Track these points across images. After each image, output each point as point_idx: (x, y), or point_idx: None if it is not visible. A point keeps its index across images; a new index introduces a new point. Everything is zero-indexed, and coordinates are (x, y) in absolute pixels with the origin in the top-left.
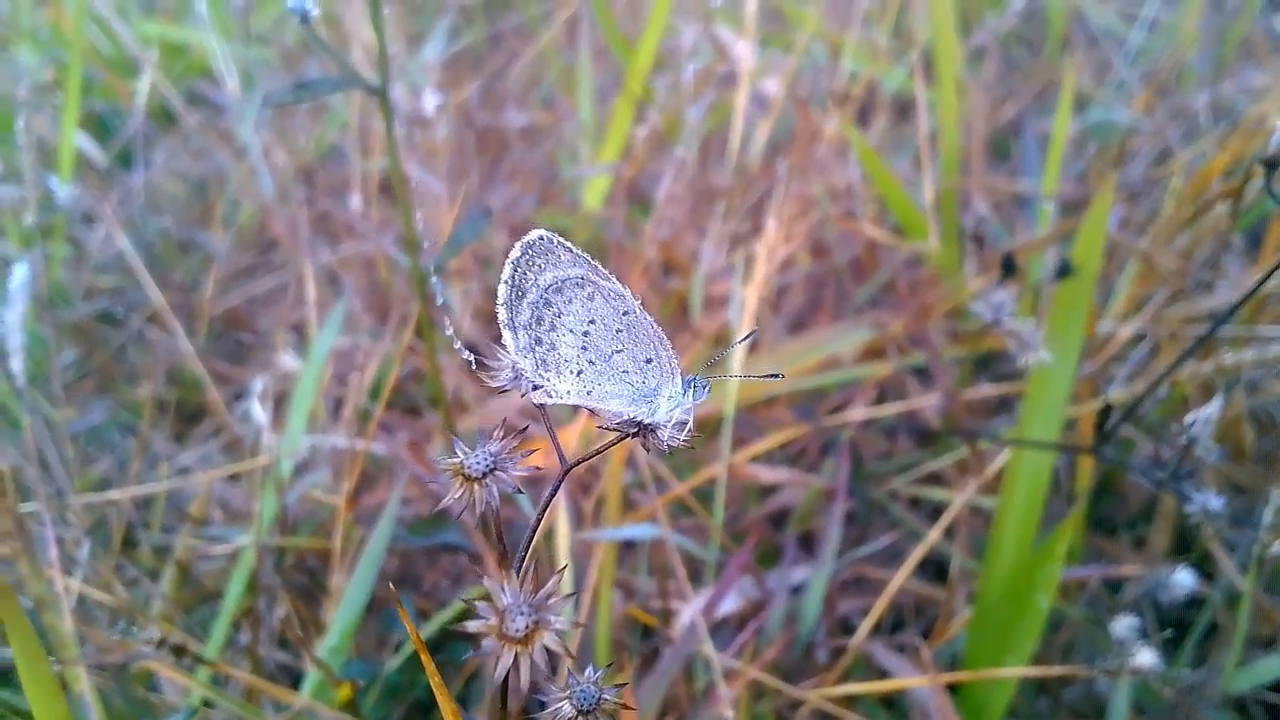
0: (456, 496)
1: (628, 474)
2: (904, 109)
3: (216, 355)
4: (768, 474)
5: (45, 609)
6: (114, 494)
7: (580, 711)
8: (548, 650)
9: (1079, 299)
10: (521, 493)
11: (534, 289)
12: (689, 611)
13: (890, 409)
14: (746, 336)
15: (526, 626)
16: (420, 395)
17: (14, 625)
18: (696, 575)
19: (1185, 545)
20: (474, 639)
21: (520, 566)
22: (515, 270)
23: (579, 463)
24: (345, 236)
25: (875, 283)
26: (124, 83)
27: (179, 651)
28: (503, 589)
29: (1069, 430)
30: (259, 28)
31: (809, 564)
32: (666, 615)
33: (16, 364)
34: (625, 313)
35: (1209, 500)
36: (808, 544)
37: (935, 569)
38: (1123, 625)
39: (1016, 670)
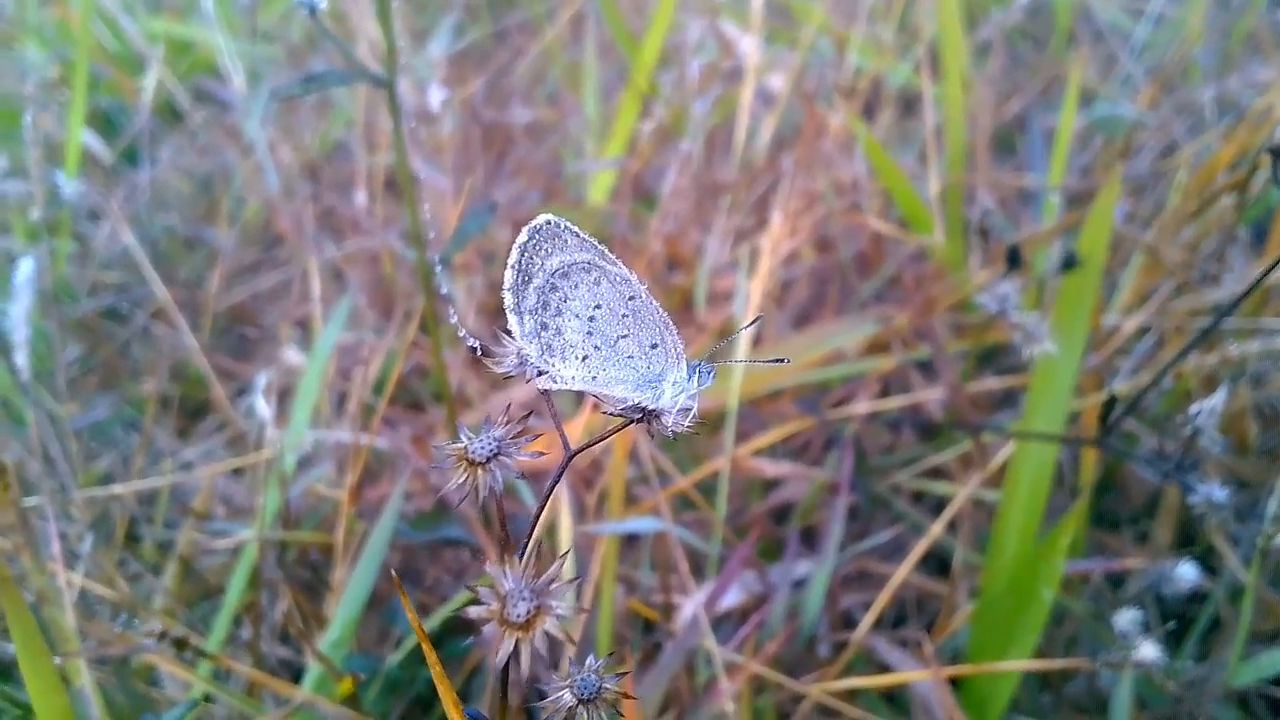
0: (460, 482)
1: (631, 468)
2: (909, 104)
3: (221, 351)
4: (771, 468)
5: (47, 603)
6: (117, 488)
7: (581, 700)
8: (550, 638)
9: (1084, 291)
10: (524, 478)
11: (540, 274)
12: (691, 605)
13: (894, 403)
14: (752, 321)
15: (528, 612)
16: (424, 390)
17: (16, 619)
18: (699, 569)
19: (1189, 539)
20: (475, 625)
21: (523, 554)
22: (522, 255)
23: (583, 449)
24: (350, 232)
25: (880, 277)
26: (130, 79)
27: (180, 645)
28: (505, 574)
29: (1073, 423)
30: (265, 24)
31: (811, 558)
32: (668, 609)
33: (21, 358)
34: (631, 298)
35: (1213, 491)
36: (810, 538)
37: (938, 563)
38: (1125, 619)
39: (1019, 664)
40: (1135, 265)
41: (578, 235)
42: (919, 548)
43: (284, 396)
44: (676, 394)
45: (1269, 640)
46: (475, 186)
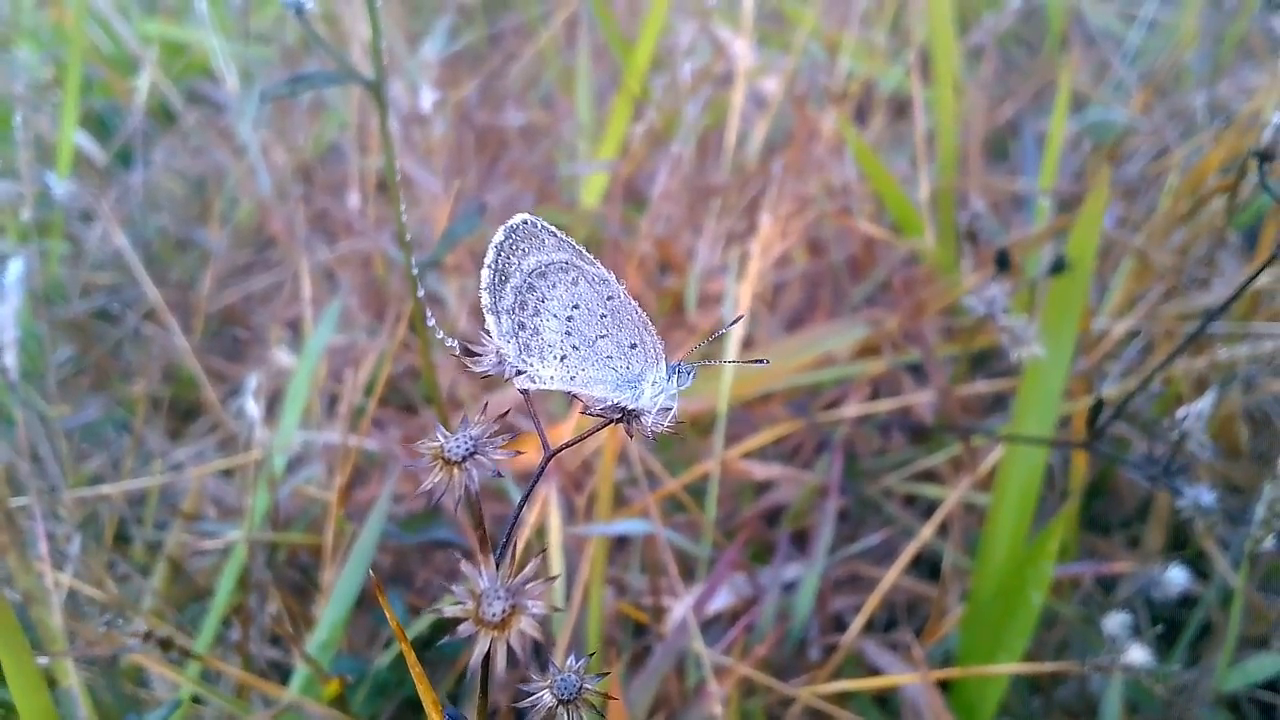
0: (435, 481)
1: (620, 469)
2: (901, 108)
3: (213, 352)
4: (761, 470)
5: (34, 603)
6: (106, 489)
7: (561, 701)
8: (533, 638)
9: (1073, 295)
10: (501, 476)
11: (517, 273)
12: (680, 608)
13: (884, 406)
14: (734, 321)
15: (503, 611)
16: (416, 392)
17: None
18: (689, 572)
19: (1180, 543)
20: (451, 625)
21: (502, 553)
22: (498, 254)
23: (560, 449)
24: (342, 234)
25: (871, 280)
26: (124, 81)
27: (166, 645)
28: (480, 574)
29: (1063, 427)
30: (259, 26)
31: (801, 561)
32: (658, 612)
33: (10, 358)
34: (609, 298)
35: (1201, 495)
36: (800, 541)
37: (928, 566)
38: (1115, 623)
39: (1009, 667)
40: (1125, 269)
41: (555, 235)
42: (909, 551)
43: (275, 398)
44: (656, 394)
45: (1259, 645)
46: (468, 189)
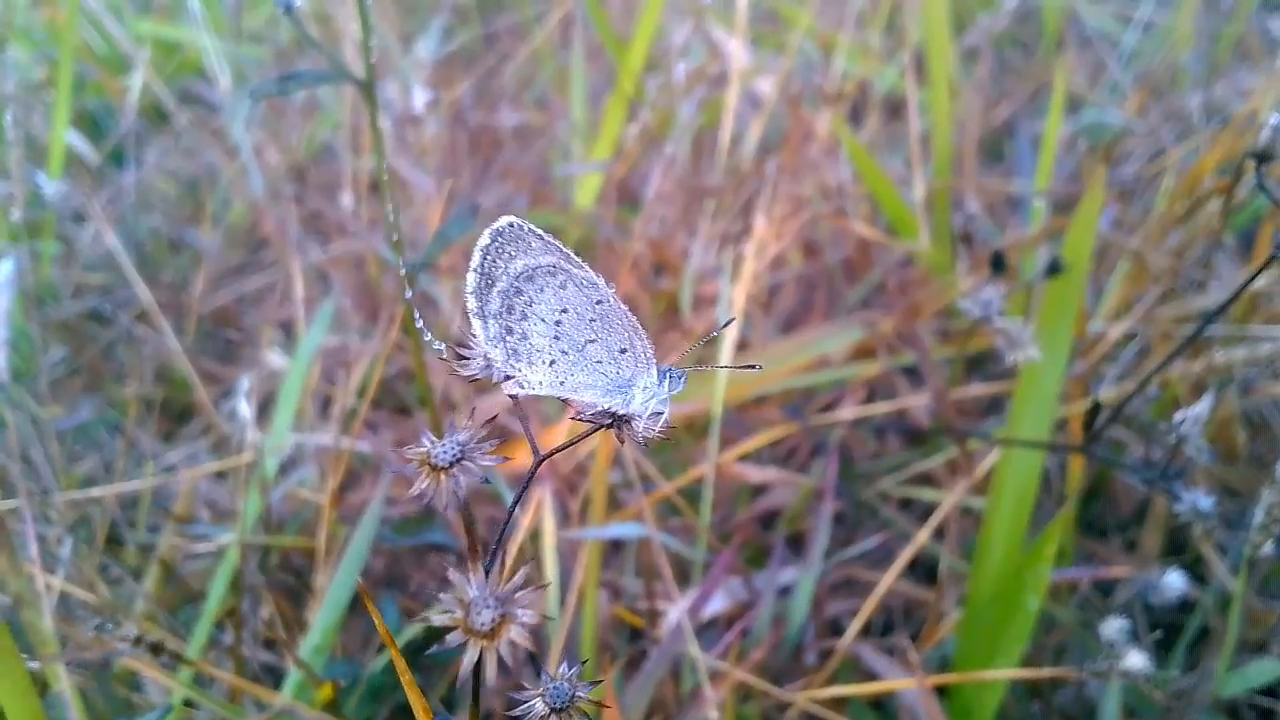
0: (423, 486)
1: (615, 473)
2: (896, 109)
3: (205, 354)
4: (756, 474)
5: (25, 606)
6: (97, 491)
7: (553, 709)
8: (523, 646)
9: (1069, 297)
10: (489, 482)
11: (504, 277)
12: (675, 612)
13: (880, 408)
14: (726, 323)
15: (492, 620)
16: (410, 394)
17: None
18: (684, 576)
19: (1177, 548)
20: (440, 634)
21: (491, 560)
22: (485, 258)
23: (552, 454)
24: (336, 235)
25: (866, 282)
26: (116, 81)
27: (156, 649)
28: (469, 582)
29: (1059, 430)
30: (251, 26)
31: (797, 565)
32: (653, 616)
33: (1, 360)
34: (598, 302)
35: (1198, 499)
36: (796, 544)
37: (925, 570)
38: (1113, 627)
39: (1006, 672)
40: (1121, 271)
41: (542, 238)
42: (905, 554)
43: (268, 400)
44: (647, 399)
45: (1257, 650)
46: (462, 189)
